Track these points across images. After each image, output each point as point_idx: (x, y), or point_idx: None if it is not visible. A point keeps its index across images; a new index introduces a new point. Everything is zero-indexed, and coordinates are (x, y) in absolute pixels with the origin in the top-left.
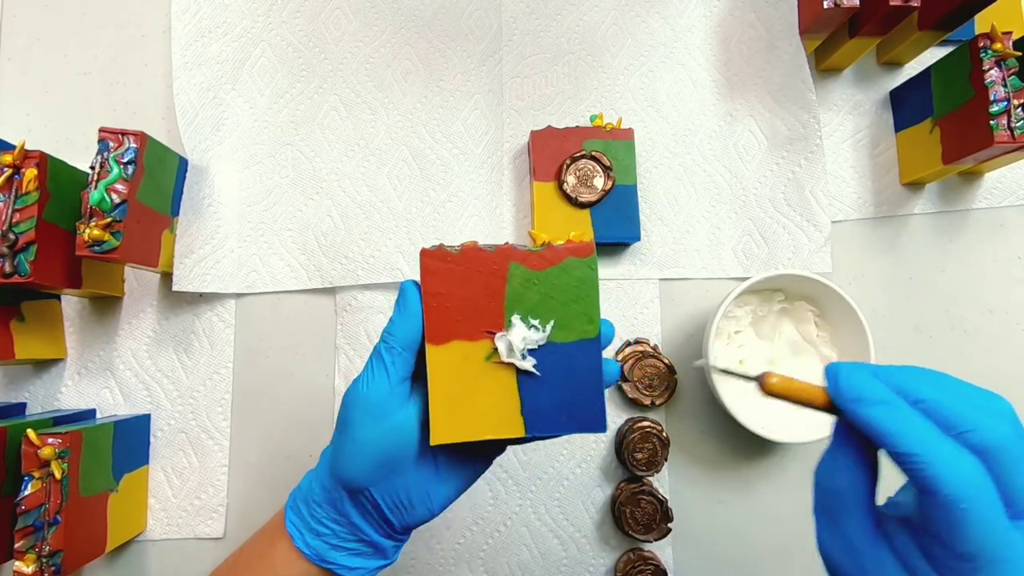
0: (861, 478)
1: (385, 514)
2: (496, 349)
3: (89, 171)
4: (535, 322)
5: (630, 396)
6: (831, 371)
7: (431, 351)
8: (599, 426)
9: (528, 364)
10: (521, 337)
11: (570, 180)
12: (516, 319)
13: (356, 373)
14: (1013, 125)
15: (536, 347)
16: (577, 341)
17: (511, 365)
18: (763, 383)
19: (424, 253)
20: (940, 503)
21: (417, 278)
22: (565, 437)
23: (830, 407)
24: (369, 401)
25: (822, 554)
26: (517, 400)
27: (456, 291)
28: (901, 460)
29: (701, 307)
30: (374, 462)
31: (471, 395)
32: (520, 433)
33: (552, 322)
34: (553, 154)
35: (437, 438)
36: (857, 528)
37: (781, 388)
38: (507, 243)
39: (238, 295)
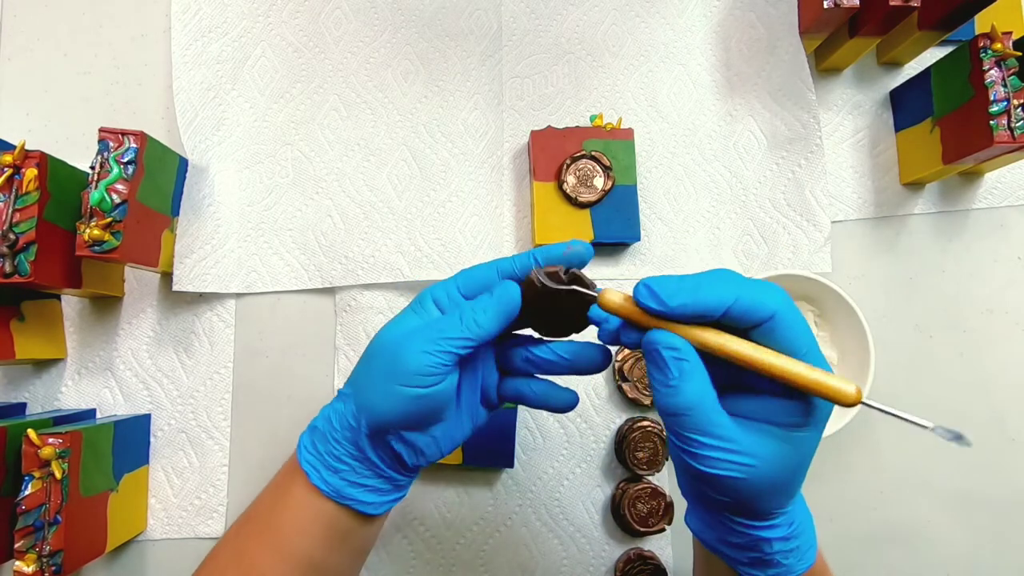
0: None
1: (402, 456)
2: None
3: (89, 171)
4: None
5: (630, 396)
6: (646, 291)
7: None
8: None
9: None
10: None
11: (570, 180)
12: None
13: None
14: (1013, 125)
15: None
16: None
17: None
18: (600, 299)
19: None
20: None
21: (416, 277)
22: (565, 437)
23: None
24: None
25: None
26: None
27: None
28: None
29: None
30: (414, 416)
31: None
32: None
33: None
34: (553, 154)
35: None
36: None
37: (614, 306)
38: None
39: (238, 295)
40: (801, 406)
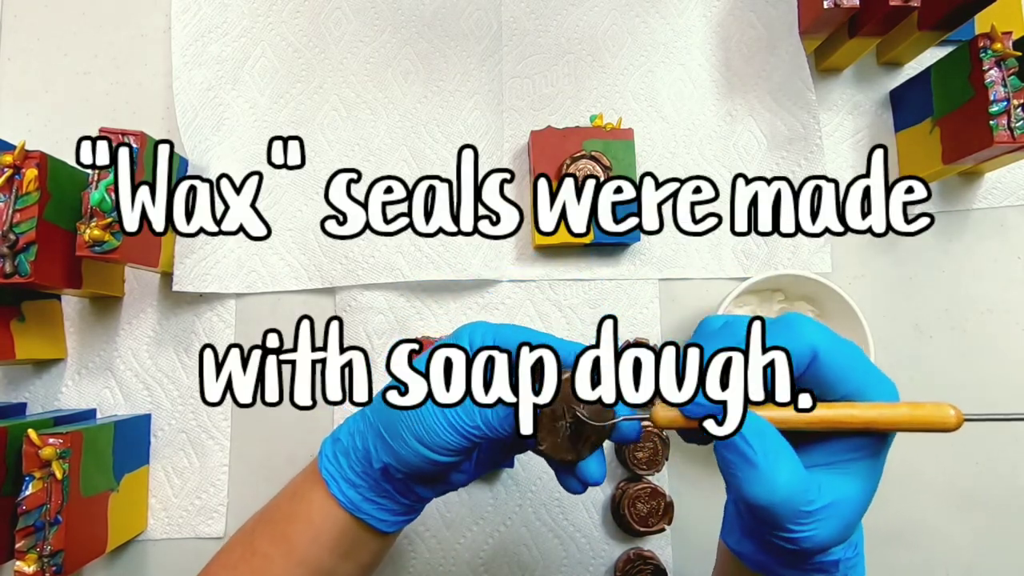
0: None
1: (415, 489)
2: None
3: (89, 171)
4: None
5: None
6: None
7: None
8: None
9: None
10: None
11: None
12: None
13: None
14: (1013, 125)
15: None
16: None
17: None
18: (655, 418)
19: None
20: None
21: (416, 277)
22: None
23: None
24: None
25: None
26: None
27: None
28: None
29: (701, 307)
30: (431, 471)
31: None
32: None
33: None
34: (553, 154)
35: None
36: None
37: (668, 422)
38: None
39: (238, 295)
40: (876, 436)
